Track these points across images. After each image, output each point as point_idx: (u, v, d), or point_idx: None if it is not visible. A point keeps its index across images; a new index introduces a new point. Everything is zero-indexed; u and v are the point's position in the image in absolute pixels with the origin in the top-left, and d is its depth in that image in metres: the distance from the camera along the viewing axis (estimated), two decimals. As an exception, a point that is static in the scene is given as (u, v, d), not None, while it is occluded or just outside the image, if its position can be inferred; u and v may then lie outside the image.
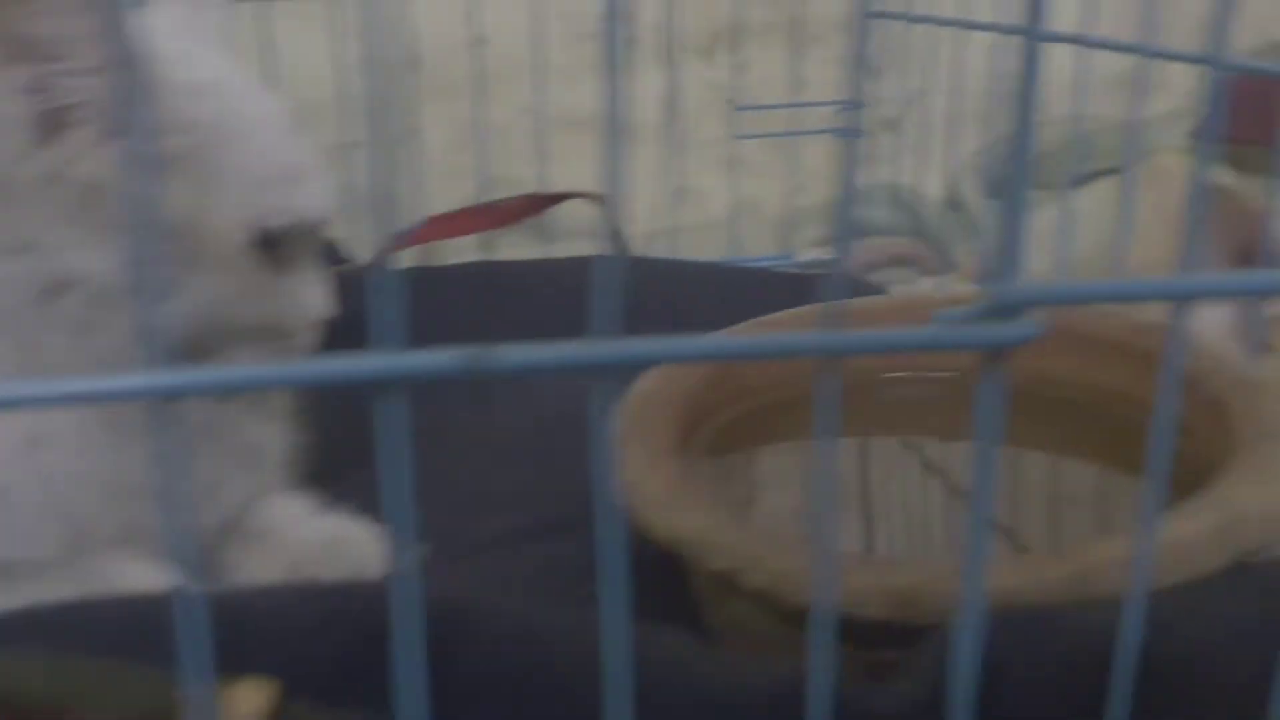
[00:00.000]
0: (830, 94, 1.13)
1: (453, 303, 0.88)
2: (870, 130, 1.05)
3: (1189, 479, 0.48)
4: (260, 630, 0.36)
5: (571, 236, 1.25)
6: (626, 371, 0.31)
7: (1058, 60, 0.76)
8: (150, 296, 0.28)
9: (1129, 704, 0.34)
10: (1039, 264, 0.91)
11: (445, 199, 1.25)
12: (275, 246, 0.54)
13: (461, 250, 1.08)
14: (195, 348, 0.52)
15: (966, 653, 0.33)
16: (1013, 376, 0.51)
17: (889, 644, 0.41)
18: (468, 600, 0.38)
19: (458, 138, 1.08)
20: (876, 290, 0.92)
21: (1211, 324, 0.61)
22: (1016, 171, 0.29)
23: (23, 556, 0.50)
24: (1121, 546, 0.37)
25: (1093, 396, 0.58)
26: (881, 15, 0.98)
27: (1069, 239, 0.75)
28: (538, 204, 1.04)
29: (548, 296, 0.90)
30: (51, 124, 0.49)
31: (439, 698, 0.34)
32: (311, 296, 0.56)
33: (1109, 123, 1.34)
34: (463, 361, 0.28)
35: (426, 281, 0.91)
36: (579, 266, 0.93)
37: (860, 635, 0.41)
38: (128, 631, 0.36)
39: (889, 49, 1.01)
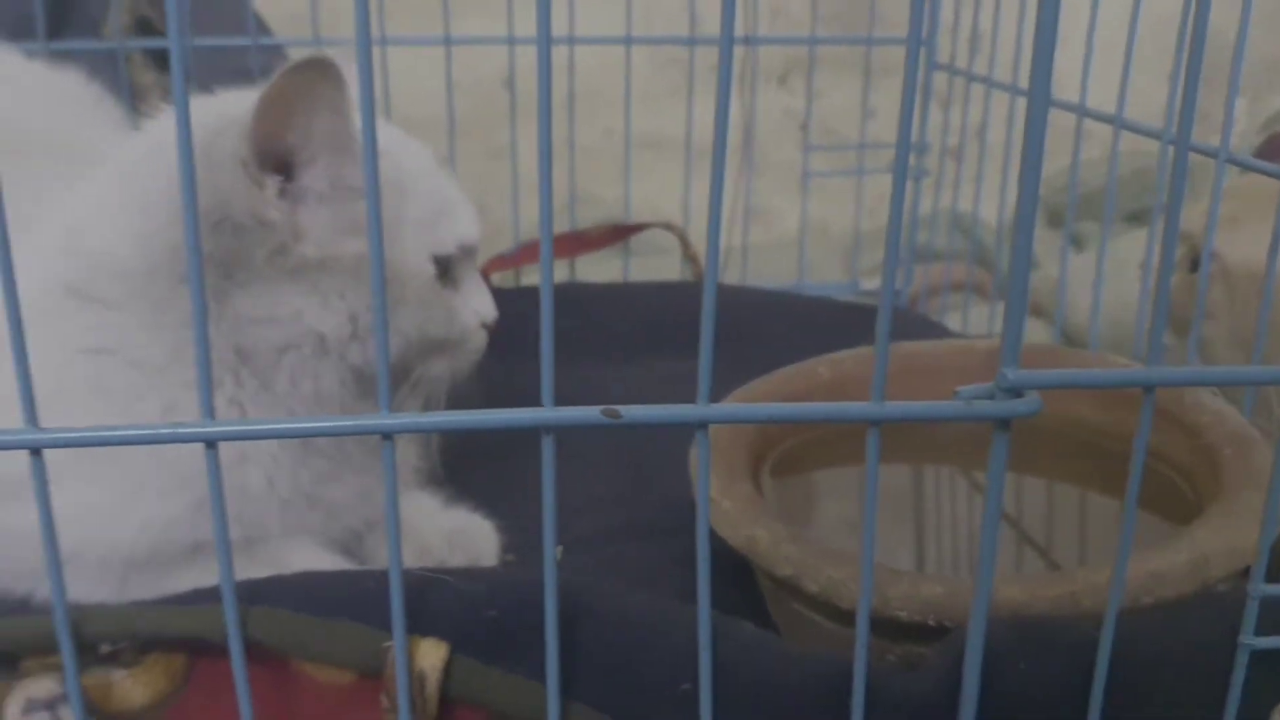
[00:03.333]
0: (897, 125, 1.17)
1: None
2: (932, 159, 1.11)
3: (1189, 515, 0.56)
4: (437, 601, 0.47)
5: (649, 254, 1.33)
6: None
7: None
8: (382, 343, 0.38)
9: (1105, 695, 0.44)
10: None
11: (535, 213, 1.31)
12: (447, 271, 0.63)
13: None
14: (397, 369, 0.61)
15: (974, 649, 0.42)
16: (1050, 422, 0.59)
17: (919, 640, 0.50)
18: (584, 585, 0.48)
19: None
20: (928, 322, 1.00)
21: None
22: (1018, 278, 0.38)
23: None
24: (1106, 573, 0.46)
25: (1115, 442, 0.66)
26: (945, 69, 1.06)
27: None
28: (620, 233, 1.12)
29: (628, 317, 1.00)
30: (296, 222, 0.57)
31: (565, 660, 0.44)
32: (481, 305, 0.65)
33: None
34: (600, 416, 0.38)
35: (519, 300, 1.00)
36: (656, 291, 1.02)
37: (895, 632, 0.51)
38: (335, 599, 0.47)
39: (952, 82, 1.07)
